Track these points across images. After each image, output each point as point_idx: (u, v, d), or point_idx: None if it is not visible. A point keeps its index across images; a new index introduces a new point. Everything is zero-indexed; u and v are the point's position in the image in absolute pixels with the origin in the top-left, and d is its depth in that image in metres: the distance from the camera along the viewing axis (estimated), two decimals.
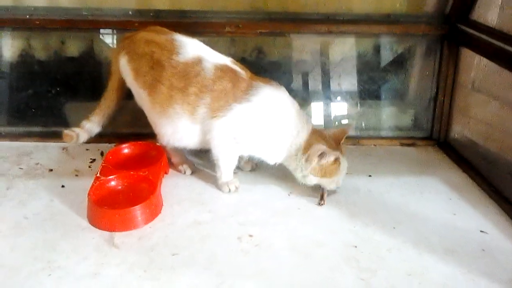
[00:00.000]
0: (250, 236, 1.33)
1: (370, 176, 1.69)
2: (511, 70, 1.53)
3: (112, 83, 1.65)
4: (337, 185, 1.52)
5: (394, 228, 1.39)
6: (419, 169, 1.76)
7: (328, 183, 1.50)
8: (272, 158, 1.53)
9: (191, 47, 1.51)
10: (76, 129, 1.64)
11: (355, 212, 1.47)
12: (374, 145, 1.95)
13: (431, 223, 1.42)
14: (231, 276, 1.17)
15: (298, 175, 1.52)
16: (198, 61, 1.47)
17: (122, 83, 1.62)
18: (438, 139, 1.97)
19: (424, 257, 1.27)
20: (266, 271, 1.20)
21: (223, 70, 1.48)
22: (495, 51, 1.61)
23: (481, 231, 1.39)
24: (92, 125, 1.66)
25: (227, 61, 1.52)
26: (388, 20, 1.92)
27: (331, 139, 1.51)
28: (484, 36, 1.68)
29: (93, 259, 1.21)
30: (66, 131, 1.63)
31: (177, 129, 1.52)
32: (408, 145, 1.96)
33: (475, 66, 1.80)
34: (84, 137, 1.64)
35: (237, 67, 1.52)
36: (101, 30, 1.89)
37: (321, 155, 1.44)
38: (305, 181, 1.51)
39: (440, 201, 1.55)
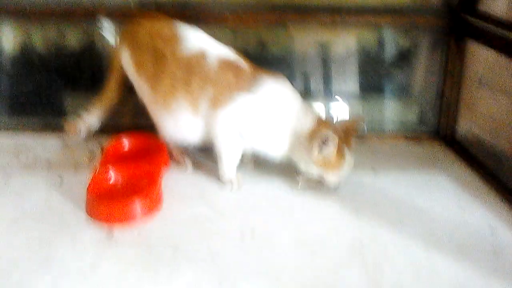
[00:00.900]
0: (253, 232, 1.30)
1: (374, 171, 1.65)
2: None
3: (113, 76, 1.63)
4: (337, 180, 1.46)
5: (401, 225, 1.35)
6: (425, 166, 1.72)
7: (329, 176, 1.45)
8: (276, 151, 1.49)
9: (195, 39, 1.49)
10: (78, 121, 1.62)
11: (360, 207, 1.43)
12: (379, 140, 1.91)
13: (439, 221, 1.38)
14: (233, 274, 1.13)
15: (302, 165, 1.47)
16: (202, 54, 1.45)
17: (123, 77, 1.59)
18: (444, 135, 1.93)
19: (433, 256, 1.23)
20: (269, 269, 1.16)
21: (226, 62, 1.46)
22: (504, 43, 1.56)
23: (491, 230, 1.35)
24: (92, 118, 1.64)
25: (231, 53, 1.50)
26: (393, 11, 1.87)
27: (341, 130, 1.45)
28: (492, 28, 1.63)
29: (91, 254, 1.17)
30: (68, 124, 1.60)
31: (179, 123, 1.49)
32: (414, 141, 1.92)
33: (483, 59, 1.75)
34: (85, 129, 1.62)
35: (240, 60, 1.49)
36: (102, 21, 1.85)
37: (324, 142, 1.38)
38: (308, 172, 1.47)
39: (448, 198, 1.51)
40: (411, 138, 1.93)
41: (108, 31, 1.85)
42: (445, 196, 1.52)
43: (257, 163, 1.64)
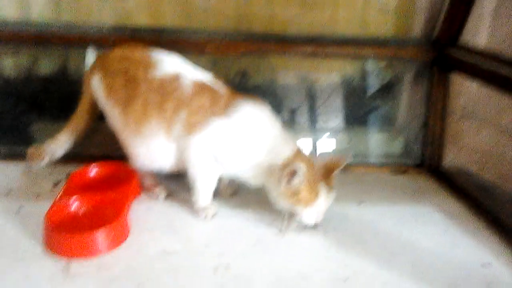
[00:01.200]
0: (228, 267, 1.18)
1: (359, 203, 1.56)
2: (502, 93, 1.46)
3: (83, 104, 1.54)
4: (312, 219, 1.33)
5: (388, 260, 1.26)
6: (411, 197, 1.65)
7: (301, 213, 1.32)
8: (252, 178, 1.40)
9: (169, 62, 1.42)
10: (42, 147, 1.51)
11: (344, 241, 1.33)
12: (364, 172, 1.83)
13: (427, 254, 1.30)
14: None
15: (271, 197, 1.36)
16: (176, 76, 1.38)
17: (93, 105, 1.50)
18: (429, 166, 1.87)
19: None
20: None
21: (202, 85, 1.39)
22: (486, 75, 1.54)
23: (483, 264, 1.26)
24: (58, 145, 1.53)
25: (207, 76, 1.43)
26: (375, 43, 1.85)
27: (320, 166, 1.35)
28: (474, 59, 1.62)
29: None
30: (31, 150, 1.49)
31: (151, 148, 1.40)
32: (399, 172, 1.85)
33: (466, 90, 1.73)
34: (48, 158, 1.51)
35: (217, 84, 1.42)
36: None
37: (292, 174, 1.27)
38: (277, 205, 1.36)
39: (435, 230, 1.43)
40: (396, 170, 1.86)
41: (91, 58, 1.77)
42: (432, 228, 1.44)
43: (234, 192, 1.55)
